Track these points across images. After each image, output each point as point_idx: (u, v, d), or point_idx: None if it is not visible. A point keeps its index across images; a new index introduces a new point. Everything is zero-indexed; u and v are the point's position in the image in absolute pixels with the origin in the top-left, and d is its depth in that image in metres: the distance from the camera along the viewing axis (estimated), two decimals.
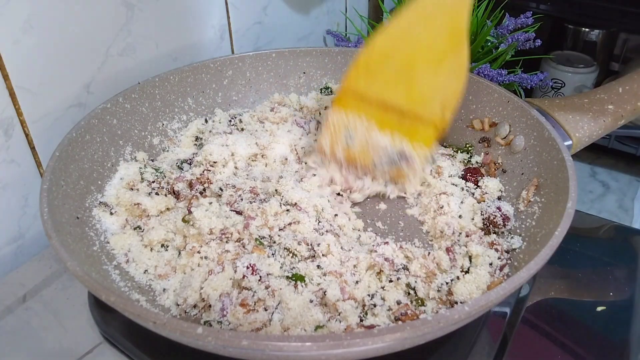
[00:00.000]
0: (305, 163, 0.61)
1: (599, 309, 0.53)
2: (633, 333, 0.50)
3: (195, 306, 0.46)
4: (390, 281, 0.48)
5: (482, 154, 0.64)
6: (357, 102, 0.53)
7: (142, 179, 0.59)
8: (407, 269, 0.49)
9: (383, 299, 0.46)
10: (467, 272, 0.49)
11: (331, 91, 0.74)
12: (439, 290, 0.47)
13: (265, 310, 0.45)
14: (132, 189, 0.58)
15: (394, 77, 0.51)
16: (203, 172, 0.59)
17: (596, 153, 0.88)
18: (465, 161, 0.64)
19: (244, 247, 0.50)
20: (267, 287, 0.46)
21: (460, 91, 0.52)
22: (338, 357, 0.36)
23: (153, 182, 0.59)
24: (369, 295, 0.46)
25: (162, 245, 0.53)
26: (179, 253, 0.52)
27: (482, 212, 0.54)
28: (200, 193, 0.57)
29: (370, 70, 0.50)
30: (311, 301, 0.46)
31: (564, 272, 0.57)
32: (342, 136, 0.54)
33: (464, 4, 0.47)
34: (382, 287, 0.48)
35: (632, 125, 0.77)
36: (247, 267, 0.46)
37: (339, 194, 0.58)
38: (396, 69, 0.50)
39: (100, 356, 0.49)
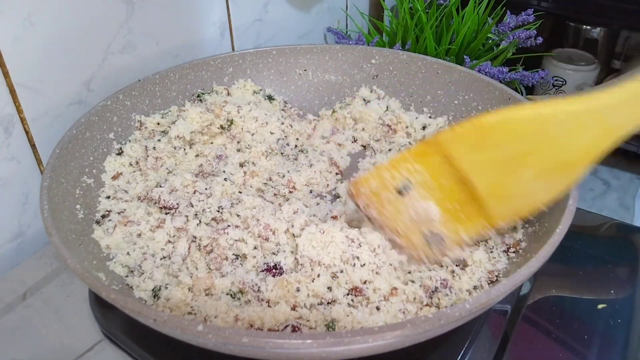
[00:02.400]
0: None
1: (600, 306, 0.53)
2: (634, 331, 0.50)
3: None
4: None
5: None
6: (436, 164, 0.45)
7: None
8: None
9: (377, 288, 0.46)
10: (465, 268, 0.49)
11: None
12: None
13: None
14: None
15: (498, 162, 0.43)
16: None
17: None
18: None
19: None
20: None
21: (529, 212, 0.45)
22: (339, 354, 0.36)
23: None
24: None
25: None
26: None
27: None
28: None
29: (482, 141, 0.42)
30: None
31: (565, 269, 0.57)
32: (398, 183, 0.46)
33: (619, 132, 0.39)
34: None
35: None
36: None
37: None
38: (509, 155, 0.42)
39: (100, 353, 0.49)
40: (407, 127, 0.68)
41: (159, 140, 0.62)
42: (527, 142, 0.41)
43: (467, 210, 0.45)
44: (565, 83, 0.90)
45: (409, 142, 0.68)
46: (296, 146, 0.67)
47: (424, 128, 0.68)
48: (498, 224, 0.46)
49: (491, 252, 0.50)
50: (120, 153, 0.60)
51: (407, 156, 0.46)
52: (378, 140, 0.68)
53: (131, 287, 0.47)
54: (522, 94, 0.75)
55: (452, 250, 0.47)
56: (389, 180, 0.46)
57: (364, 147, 0.69)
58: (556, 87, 0.91)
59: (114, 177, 0.58)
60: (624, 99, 0.39)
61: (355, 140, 0.69)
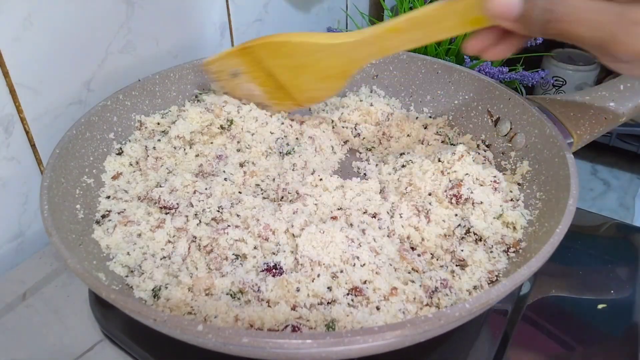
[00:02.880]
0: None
1: (600, 306, 0.53)
2: (634, 331, 0.50)
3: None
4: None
5: None
6: (251, 60, 0.62)
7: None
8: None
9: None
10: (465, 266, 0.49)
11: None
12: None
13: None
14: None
15: (289, 67, 0.61)
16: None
17: (597, 151, 0.87)
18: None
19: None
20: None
21: (319, 101, 0.69)
22: (339, 354, 0.36)
23: None
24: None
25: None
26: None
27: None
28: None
29: (276, 52, 0.61)
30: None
31: (565, 269, 0.57)
32: (230, 69, 0.64)
33: (360, 63, 0.59)
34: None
35: (633, 123, 0.77)
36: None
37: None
38: (294, 65, 0.61)
39: (100, 353, 0.49)
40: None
41: (159, 140, 0.62)
42: (304, 58, 0.59)
43: (280, 93, 0.64)
44: (565, 83, 0.90)
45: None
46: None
47: (425, 127, 0.68)
48: (303, 104, 0.66)
49: (491, 252, 0.50)
50: (120, 153, 0.60)
51: (232, 52, 0.62)
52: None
53: (131, 287, 0.47)
54: (522, 94, 0.75)
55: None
56: (225, 66, 0.64)
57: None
58: (556, 87, 0.91)
59: (114, 177, 0.58)
60: (358, 42, 0.55)
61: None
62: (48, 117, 0.61)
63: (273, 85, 0.64)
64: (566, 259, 0.58)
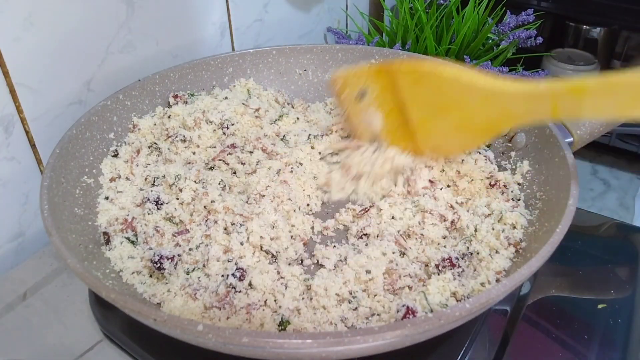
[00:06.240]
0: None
1: (600, 306, 0.53)
2: (634, 331, 0.50)
3: None
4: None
5: None
6: (386, 84, 0.55)
7: None
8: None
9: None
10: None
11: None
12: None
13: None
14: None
15: (428, 103, 0.53)
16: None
17: (597, 151, 0.87)
18: None
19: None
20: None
21: (451, 157, 0.57)
22: (339, 354, 0.36)
23: None
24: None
25: None
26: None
27: None
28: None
29: (418, 82, 0.53)
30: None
31: (565, 269, 0.57)
32: (359, 88, 0.57)
33: (517, 121, 0.50)
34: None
35: (633, 123, 0.77)
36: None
37: None
38: (435, 103, 0.52)
39: (100, 353, 0.49)
40: None
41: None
42: (450, 98, 0.51)
43: (402, 132, 0.56)
44: None
45: None
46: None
47: None
48: (422, 152, 0.57)
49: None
50: (115, 155, 0.60)
51: (367, 69, 0.56)
52: None
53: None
54: None
55: (392, 161, 0.58)
56: (356, 82, 0.57)
57: None
58: None
59: (112, 180, 0.58)
60: (522, 94, 0.45)
61: None
62: (48, 117, 0.61)
63: (398, 121, 0.56)
64: (566, 259, 0.58)
